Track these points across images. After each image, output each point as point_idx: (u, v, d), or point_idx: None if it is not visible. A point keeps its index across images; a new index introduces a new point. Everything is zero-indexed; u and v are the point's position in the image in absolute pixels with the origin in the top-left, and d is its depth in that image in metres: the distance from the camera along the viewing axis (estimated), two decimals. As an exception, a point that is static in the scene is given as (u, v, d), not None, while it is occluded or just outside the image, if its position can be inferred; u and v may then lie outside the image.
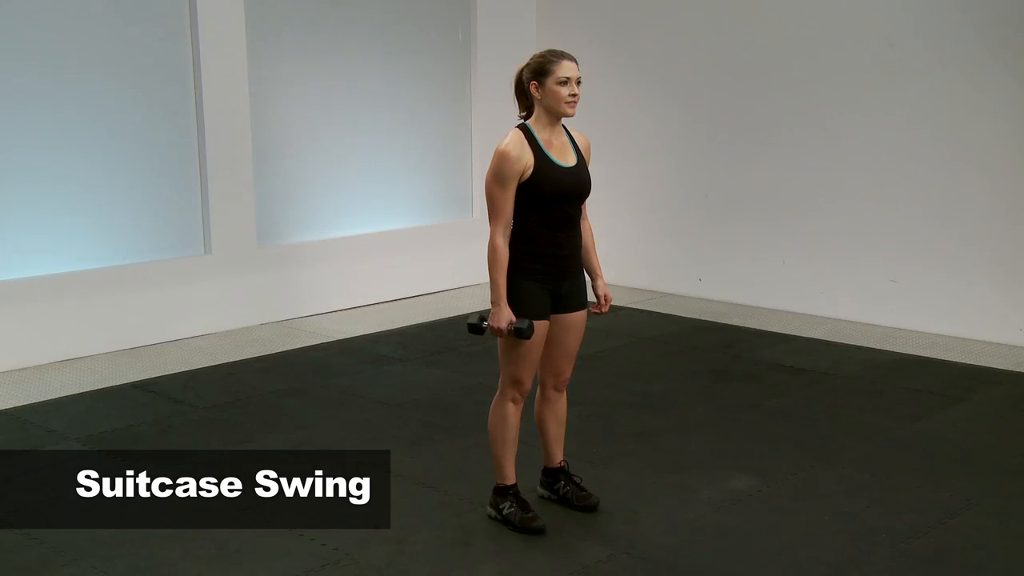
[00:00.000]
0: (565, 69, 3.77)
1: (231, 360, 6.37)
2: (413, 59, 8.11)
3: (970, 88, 6.59)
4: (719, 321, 7.30)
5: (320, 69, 7.54)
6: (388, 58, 7.96)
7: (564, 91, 3.77)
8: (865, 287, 7.18)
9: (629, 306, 7.76)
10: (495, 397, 3.99)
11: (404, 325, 7.25)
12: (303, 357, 6.47)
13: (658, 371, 6.13)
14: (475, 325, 3.90)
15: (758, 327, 7.11)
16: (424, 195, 8.34)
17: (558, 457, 4.19)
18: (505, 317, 3.79)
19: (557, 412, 4.11)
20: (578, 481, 4.20)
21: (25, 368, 6.21)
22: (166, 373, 6.10)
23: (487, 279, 4.02)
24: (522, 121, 3.91)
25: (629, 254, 8.43)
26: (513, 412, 3.92)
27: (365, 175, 7.91)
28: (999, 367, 6.10)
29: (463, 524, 4.05)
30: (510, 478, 4.01)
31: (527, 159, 3.78)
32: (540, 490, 4.25)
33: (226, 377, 6.04)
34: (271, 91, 7.29)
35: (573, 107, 3.81)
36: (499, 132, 9.00)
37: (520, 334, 3.79)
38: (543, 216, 3.85)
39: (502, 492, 4.02)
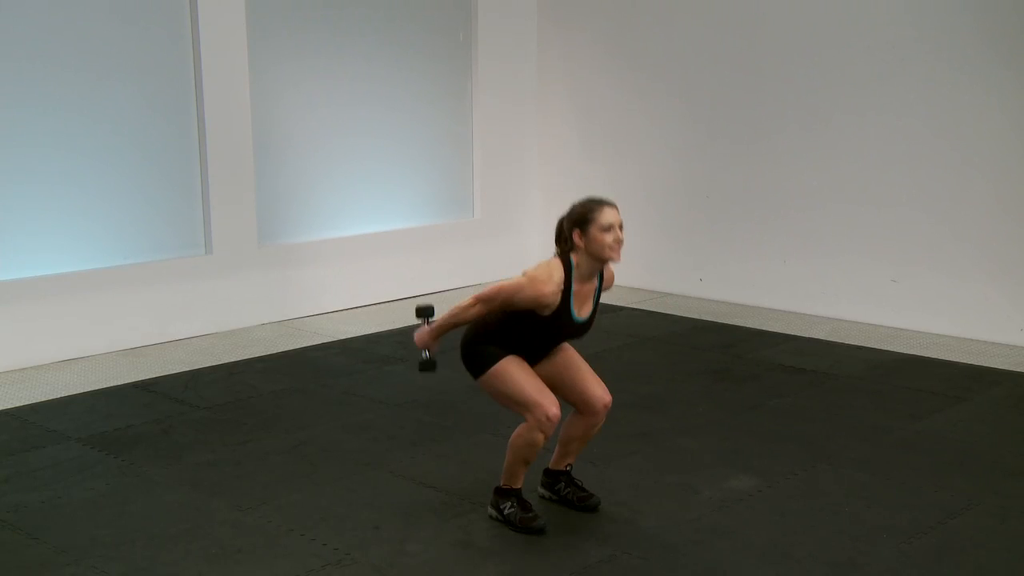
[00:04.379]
0: (608, 215, 3.76)
1: (232, 360, 6.38)
2: (414, 59, 8.12)
3: (971, 88, 6.59)
4: (719, 321, 7.30)
5: (321, 69, 7.55)
6: (389, 58, 7.96)
7: (608, 238, 3.75)
8: (866, 287, 7.18)
9: (629, 306, 7.77)
10: (524, 423, 3.86)
11: (404, 325, 7.24)
12: (303, 357, 6.48)
13: (658, 371, 6.13)
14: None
15: (759, 327, 7.11)
16: (424, 195, 8.35)
17: (566, 463, 4.18)
18: (424, 339, 3.93)
19: (588, 434, 4.08)
20: (579, 483, 4.20)
21: (25, 368, 6.21)
22: (167, 373, 6.11)
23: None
24: (568, 255, 3.83)
25: (629, 254, 8.41)
26: (541, 441, 3.85)
27: (366, 175, 7.92)
28: (999, 367, 6.10)
29: (463, 524, 4.05)
30: (516, 484, 4.00)
31: (552, 306, 3.77)
32: (541, 490, 4.25)
33: (227, 377, 6.04)
34: (272, 91, 7.29)
35: (618, 252, 3.80)
36: (500, 132, 9.07)
37: (423, 364, 3.96)
38: (532, 339, 3.88)
39: (504, 493, 4.01)
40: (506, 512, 3.99)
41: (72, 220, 6.45)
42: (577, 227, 3.78)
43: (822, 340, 6.76)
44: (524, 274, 3.79)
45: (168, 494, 4.37)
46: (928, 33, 6.73)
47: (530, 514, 3.96)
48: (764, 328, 7.08)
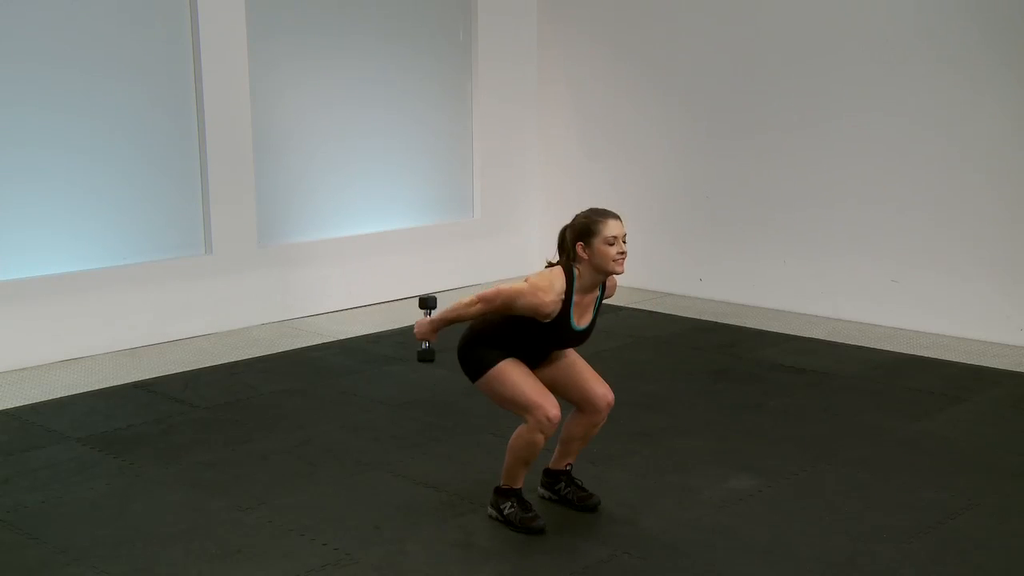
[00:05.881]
0: (612, 228, 3.74)
1: (231, 360, 6.38)
2: (414, 59, 8.12)
3: (970, 87, 6.59)
4: (719, 321, 7.30)
5: (321, 69, 7.55)
6: (389, 58, 7.96)
7: (613, 251, 3.74)
8: (866, 287, 7.18)
9: (629, 306, 7.77)
10: (524, 424, 3.86)
11: (404, 325, 7.24)
12: (303, 357, 6.48)
13: (658, 371, 6.13)
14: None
15: (759, 327, 7.11)
16: (424, 195, 8.34)
17: (566, 463, 4.18)
18: (424, 330, 3.93)
19: (590, 433, 4.07)
20: (579, 482, 4.20)
21: (25, 368, 6.21)
22: (167, 373, 6.10)
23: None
24: (572, 265, 3.81)
25: (629, 254, 8.42)
26: (541, 442, 3.85)
27: (365, 175, 7.92)
28: (999, 367, 6.10)
29: (463, 524, 4.05)
30: (517, 484, 4.00)
31: (552, 315, 3.75)
32: (541, 490, 4.25)
33: (227, 377, 6.04)
34: (272, 91, 7.29)
35: (622, 265, 3.78)
36: (500, 132, 9.09)
37: (421, 355, 3.99)
38: (530, 345, 3.87)
39: (504, 493, 4.01)
40: (506, 512, 3.99)
41: (72, 220, 6.44)
42: (581, 239, 3.76)
43: (822, 340, 6.76)
44: (527, 280, 3.77)
45: (168, 494, 4.37)
46: (929, 33, 6.72)
47: (530, 514, 3.96)
48: (764, 328, 7.08)
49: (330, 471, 4.61)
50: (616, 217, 3.79)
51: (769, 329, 7.05)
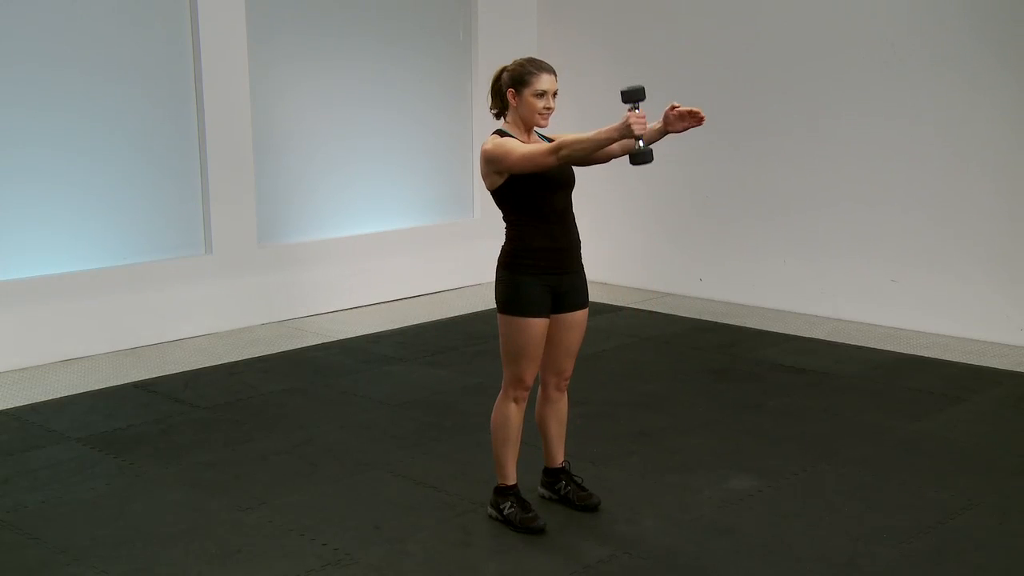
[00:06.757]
0: (543, 82, 3.81)
1: (231, 360, 6.38)
2: (414, 59, 8.12)
3: (970, 88, 6.59)
4: (719, 321, 7.30)
5: (321, 69, 7.55)
6: (389, 58, 7.96)
7: (540, 104, 3.82)
8: (866, 287, 7.18)
9: (629, 306, 7.77)
10: (498, 397, 4.00)
11: (404, 325, 7.25)
12: (303, 357, 6.48)
13: (658, 371, 6.13)
14: (638, 153, 3.74)
15: (759, 327, 7.11)
16: (424, 195, 8.34)
17: (559, 457, 4.19)
18: (637, 120, 3.66)
19: (558, 412, 4.12)
20: (579, 481, 4.20)
21: (25, 368, 6.21)
22: (167, 373, 6.10)
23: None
24: (499, 128, 3.93)
25: (629, 254, 8.44)
26: (515, 412, 3.93)
27: (365, 175, 7.92)
28: (999, 367, 6.10)
29: (463, 524, 4.05)
30: (511, 478, 4.01)
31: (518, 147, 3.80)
32: (541, 490, 4.25)
33: (227, 377, 6.04)
34: (272, 91, 7.29)
35: (546, 119, 3.87)
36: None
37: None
38: (533, 209, 3.88)
39: (503, 492, 4.02)
40: (506, 512, 3.99)
41: (72, 220, 6.44)
42: (512, 86, 3.84)
43: (822, 340, 6.75)
44: (487, 149, 3.78)
45: (168, 494, 4.37)
46: (928, 33, 6.72)
47: (530, 514, 3.96)
48: (764, 328, 7.08)
49: (330, 471, 4.61)
50: (551, 72, 3.85)
51: (769, 329, 7.05)
